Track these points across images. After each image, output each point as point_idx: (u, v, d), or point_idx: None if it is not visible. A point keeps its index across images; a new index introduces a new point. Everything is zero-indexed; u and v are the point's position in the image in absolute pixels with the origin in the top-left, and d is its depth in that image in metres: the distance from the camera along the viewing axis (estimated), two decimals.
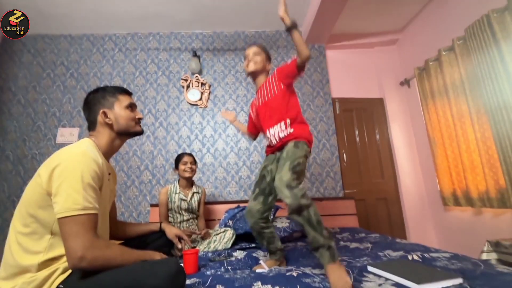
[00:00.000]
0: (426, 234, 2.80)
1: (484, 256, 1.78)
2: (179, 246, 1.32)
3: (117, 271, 0.81)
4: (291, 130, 1.33)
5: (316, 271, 1.17)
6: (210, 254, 1.69)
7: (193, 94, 2.92)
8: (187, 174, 2.08)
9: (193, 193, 2.14)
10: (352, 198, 2.73)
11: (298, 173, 1.20)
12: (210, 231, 2.02)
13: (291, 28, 1.23)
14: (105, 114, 1.04)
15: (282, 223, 2.06)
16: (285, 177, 1.14)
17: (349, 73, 3.27)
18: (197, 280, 1.12)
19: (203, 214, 2.24)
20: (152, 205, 2.56)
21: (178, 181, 2.15)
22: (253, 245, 1.89)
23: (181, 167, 2.09)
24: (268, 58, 1.51)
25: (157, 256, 0.99)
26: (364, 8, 2.87)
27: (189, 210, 2.07)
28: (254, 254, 1.60)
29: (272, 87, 1.40)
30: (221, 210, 2.55)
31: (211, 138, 2.88)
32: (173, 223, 2.04)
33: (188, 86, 2.95)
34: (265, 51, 1.49)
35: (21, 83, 2.86)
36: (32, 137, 2.73)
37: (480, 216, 2.28)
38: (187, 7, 2.75)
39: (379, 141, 3.10)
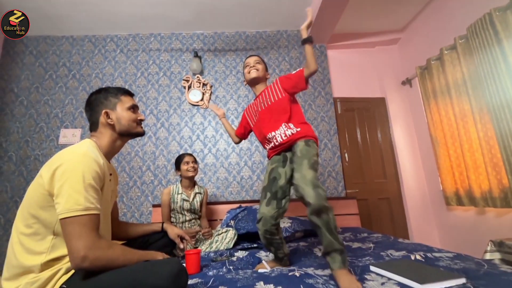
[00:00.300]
0: (429, 234, 2.79)
1: (488, 256, 1.77)
2: (181, 246, 1.32)
3: (119, 271, 0.81)
4: (298, 129, 1.34)
5: (319, 272, 1.17)
6: (212, 254, 1.70)
7: (195, 95, 2.93)
8: (190, 174, 2.09)
9: (196, 193, 2.14)
10: (354, 198, 2.73)
11: (316, 171, 1.18)
12: (212, 231, 2.02)
13: (307, 41, 1.32)
14: (107, 114, 1.05)
15: (283, 223, 2.07)
16: (309, 175, 1.12)
17: (350, 72, 3.26)
18: (199, 280, 1.12)
19: (206, 214, 2.24)
20: (154, 206, 2.56)
21: (180, 181, 2.16)
22: (255, 245, 1.89)
23: (184, 167, 2.09)
24: (267, 69, 1.58)
25: (159, 256, 0.99)
26: (365, 7, 2.86)
27: (191, 210, 2.08)
28: (256, 254, 1.60)
29: (275, 92, 1.43)
30: (223, 210, 2.55)
31: (212, 139, 2.88)
32: (175, 224, 2.05)
33: (189, 87, 2.96)
34: (264, 62, 1.57)
35: (23, 85, 2.88)
36: (34, 138, 2.75)
37: (483, 215, 2.27)
38: (188, 8, 2.75)
39: (381, 141, 3.09)
